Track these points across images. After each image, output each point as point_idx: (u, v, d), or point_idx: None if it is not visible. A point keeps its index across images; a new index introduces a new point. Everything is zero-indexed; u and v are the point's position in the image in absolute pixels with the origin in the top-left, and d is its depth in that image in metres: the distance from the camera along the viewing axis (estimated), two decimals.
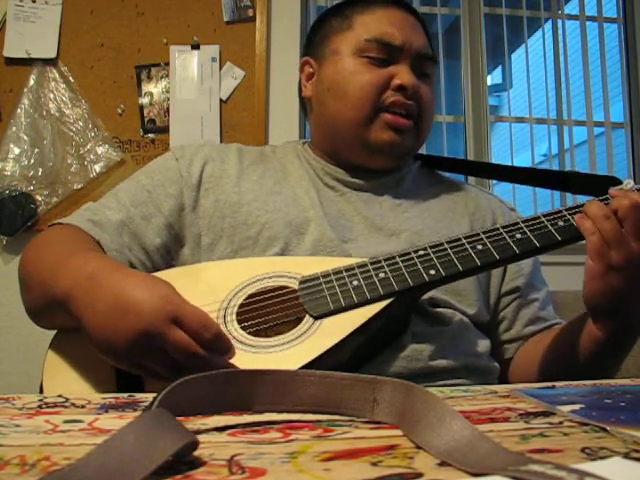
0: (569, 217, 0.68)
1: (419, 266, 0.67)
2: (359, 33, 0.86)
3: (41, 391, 0.64)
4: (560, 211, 0.70)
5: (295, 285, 0.68)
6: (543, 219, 0.69)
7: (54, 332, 0.71)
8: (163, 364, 0.56)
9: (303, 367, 0.59)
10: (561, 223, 0.68)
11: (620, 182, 0.74)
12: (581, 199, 0.75)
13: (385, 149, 0.85)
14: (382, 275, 0.67)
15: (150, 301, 0.56)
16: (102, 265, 0.64)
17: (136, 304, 0.56)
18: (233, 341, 0.61)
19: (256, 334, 0.64)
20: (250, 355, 0.61)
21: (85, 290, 0.60)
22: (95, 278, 0.61)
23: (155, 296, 0.56)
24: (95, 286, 0.60)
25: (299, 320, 0.65)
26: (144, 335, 0.55)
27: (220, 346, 0.57)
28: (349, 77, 0.84)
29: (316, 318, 0.65)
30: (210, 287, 0.70)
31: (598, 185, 0.77)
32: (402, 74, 0.83)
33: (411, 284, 0.66)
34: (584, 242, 0.68)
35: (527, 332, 0.84)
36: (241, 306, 0.67)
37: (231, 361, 0.58)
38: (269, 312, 0.66)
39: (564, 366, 0.76)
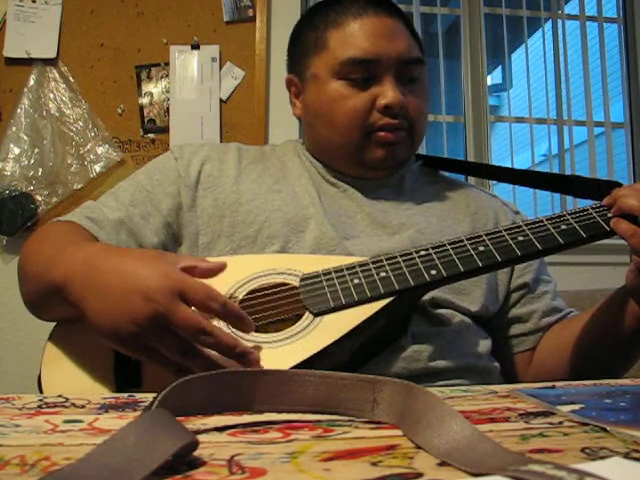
0: (571, 221, 0.69)
1: (420, 266, 0.67)
2: (334, 54, 0.83)
3: (39, 383, 0.64)
4: (563, 215, 0.70)
5: (296, 282, 0.68)
6: (545, 222, 0.69)
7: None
8: (170, 345, 0.55)
9: (302, 363, 0.60)
10: (563, 227, 0.69)
11: (622, 186, 0.75)
12: (582, 202, 0.76)
13: (380, 165, 0.85)
14: (383, 274, 0.67)
15: (153, 279, 0.55)
16: (97, 249, 0.63)
17: (139, 284, 0.55)
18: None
19: (256, 330, 0.64)
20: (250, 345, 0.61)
21: (82, 275, 0.59)
22: (91, 262, 0.60)
23: (157, 274, 0.56)
24: (92, 270, 0.59)
25: (299, 317, 0.65)
26: (151, 315, 0.54)
27: (230, 316, 0.56)
28: (333, 104, 0.83)
29: (316, 315, 0.65)
30: (211, 283, 0.69)
31: (600, 189, 0.77)
32: (386, 92, 0.80)
33: (412, 284, 0.66)
34: (586, 245, 0.68)
35: (544, 324, 0.85)
36: (242, 302, 0.67)
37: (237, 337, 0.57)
38: (269, 308, 0.66)
39: (603, 347, 0.77)
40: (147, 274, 0.56)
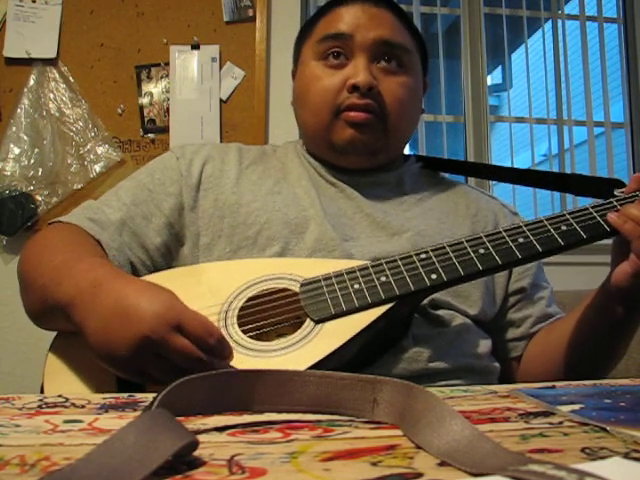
0: (572, 221, 0.68)
1: (421, 270, 0.66)
2: (315, 37, 0.86)
3: (42, 393, 0.64)
4: (563, 215, 0.69)
5: (296, 288, 0.68)
6: (546, 223, 0.68)
7: (54, 332, 0.71)
8: (165, 371, 0.56)
9: None
10: (564, 227, 0.68)
11: (623, 184, 0.74)
12: (583, 200, 0.75)
13: (349, 148, 0.83)
14: (383, 279, 0.66)
15: (151, 307, 0.55)
16: (105, 272, 0.63)
17: (137, 310, 0.55)
18: (234, 345, 0.61)
19: (257, 337, 0.64)
20: (251, 359, 0.61)
21: (87, 297, 0.60)
22: (98, 285, 0.60)
23: (156, 302, 0.56)
24: (97, 292, 0.59)
25: (300, 324, 0.65)
26: (145, 341, 0.54)
27: (222, 352, 0.57)
28: (308, 85, 0.85)
29: (317, 322, 0.64)
30: (211, 289, 0.69)
31: (601, 187, 0.77)
32: (356, 72, 0.81)
33: (412, 289, 0.65)
34: (587, 246, 0.68)
35: (535, 330, 0.85)
36: (242, 309, 0.66)
37: (232, 365, 0.58)
38: (270, 315, 0.66)
39: (584, 347, 0.77)
40: (147, 301, 0.56)
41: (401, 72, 0.85)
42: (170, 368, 0.55)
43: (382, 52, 0.83)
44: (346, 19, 0.84)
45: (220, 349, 0.56)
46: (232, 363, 0.58)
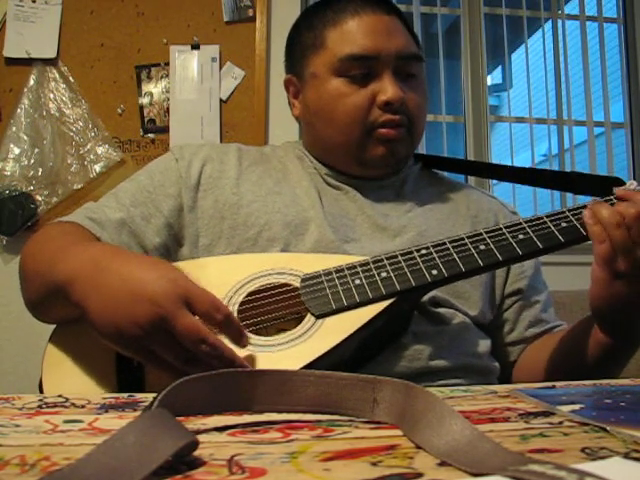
0: (572, 218, 0.68)
1: (421, 266, 0.67)
2: (333, 52, 0.83)
3: (40, 385, 0.64)
4: (563, 212, 0.69)
5: (297, 283, 0.68)
6: (546, 220, 0.69)
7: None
8: (172, 350, 0.55)
9: (304, 367, 0.59)
10: (564, 224, 0.68)
11: (623, 183, 0.74)
12: (582, 199, 0.75)
13: (380, 163, 0.84)
14: (384, 274, 0.66)
15: (160, 284, 0.55)
16: (104, 249, 0.63)
17: (146, 287, 0.55)
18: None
19: (257, 332, 0.64)
20: (251, 354, 0.61)
21: (87, 274, 0.59)
22: (97, 262, 0.60)
23: (164, 279, 0.56)
24: (98, 270, 0.59)
25: (301, 319, 0.65)
26: (154, 319, 0.54)
27: (231, 329, 0.56)
28: (333, 102, 0.83)
29: (318, 317, 0.64)
30: (211, 284, 0.69)
31: (601, 186, 0.77)
32: (386, 88, 0.80)
33: (413, 284, 0.65)
34: (586, 243, 0.68)
35: (529, 334, 0.85)
36: (242, 304, 0.66)
37: (236, 352, 0.57)
38: (270, 310, 0.66)
39: (569, 370, 0.75)
40: (154, 278, 0.56)
41: (417, 81, 0.85)
42: (178, 347, 0.55)
43: (402, 66, 0.83)
44: (366, 33, 0.82)
45: (229, 327, 0.56)
46: (240, 346, 0.58)
